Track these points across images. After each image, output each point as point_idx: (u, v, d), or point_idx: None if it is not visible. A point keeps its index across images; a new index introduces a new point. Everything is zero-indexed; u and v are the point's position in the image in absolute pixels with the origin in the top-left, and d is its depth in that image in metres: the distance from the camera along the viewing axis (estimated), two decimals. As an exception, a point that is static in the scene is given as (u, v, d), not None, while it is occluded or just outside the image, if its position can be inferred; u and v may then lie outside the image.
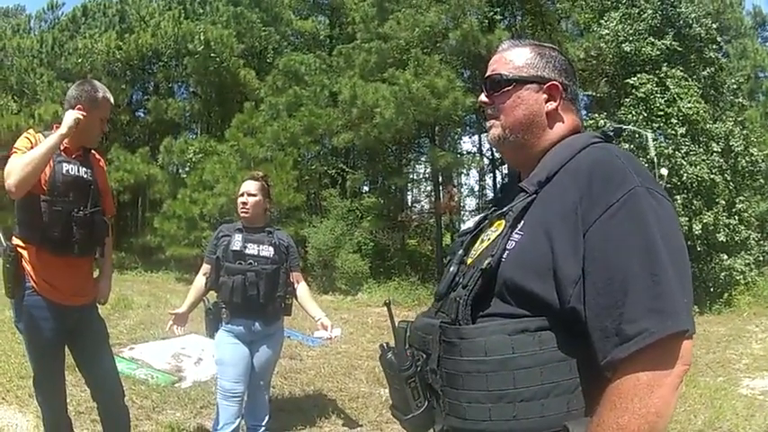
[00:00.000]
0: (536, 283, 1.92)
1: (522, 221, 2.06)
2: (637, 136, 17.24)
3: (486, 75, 2.39)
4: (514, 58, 2.36)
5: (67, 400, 5.35)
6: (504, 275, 1.98)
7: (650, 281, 1.77)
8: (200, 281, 6.37)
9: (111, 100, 5.17)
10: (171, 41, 31.15)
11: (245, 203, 6.24)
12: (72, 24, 34.60)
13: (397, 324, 2.31)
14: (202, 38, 29.84)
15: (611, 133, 2.25)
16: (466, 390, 1.93)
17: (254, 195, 6.27)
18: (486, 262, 1.99)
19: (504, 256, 2.00)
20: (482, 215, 2.40)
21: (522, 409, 1.85)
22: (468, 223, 2.44)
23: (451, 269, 2.25)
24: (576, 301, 1.86)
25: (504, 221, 2.11)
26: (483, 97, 2.40)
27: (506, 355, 1.88)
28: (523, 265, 1.96)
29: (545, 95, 2.30)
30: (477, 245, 2.23)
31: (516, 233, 2.04)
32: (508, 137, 2.31)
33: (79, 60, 30.43)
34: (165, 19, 31.98)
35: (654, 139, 19.44)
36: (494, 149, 31.88)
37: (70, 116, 4.69)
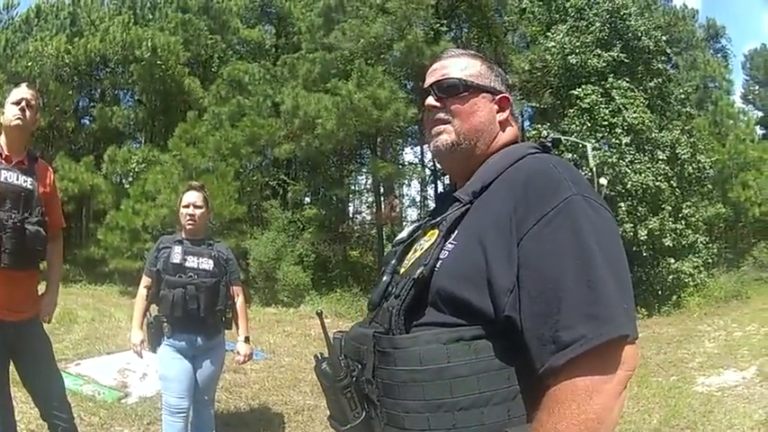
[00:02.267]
0: (470, 291, 1.89)
1: (456, 231, 2.04)
2: (579, 146, 17.42)
3: (437, 78, 2.33)
4: (467, 65, 2.33)
5: (17, 418, 5.31)
6: (438, 284, 1.95)
7: (586, 287, 1.75)
8: (142, 294, 6.30)
9: (32, 90, 5.09)
10: (119, 47, 30.82)
11: (192, 215, 6.19)
12: (25, 26, 34.24)
13: (332, 335, 2.27)
14: (150, 44, 29.60)
15: (550, 143, 2.24)
16: (402, 399, 1.91)
17: (200, 207, 6.24)
18: (419, 271, 1.96)
19: (437, 266, 1.98)
20: (416, 225, 2.39)
21: (461, 417, 1.83)
22: (402, 233, 2.42)
23: (384, 279, 2.22)
24: (510, 309, 1.82)
25: (437, 231, 2.09)
26: (432, 101, 2.32)
27: (442, 364, 1.85)
28: (457, 275, 1.93)
29: (496, 106, 2.30)
30: (410, 254, 2.22)
31: (450, 243, 2.02)
32: (462, 143, 2.26)
33: (29, 64, 30.01)
34: (115, 24, 31.60)
35: (595, 149, 19.77)
36: (435, 160, 32.18)
37: None
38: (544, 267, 1.79)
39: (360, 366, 2.07)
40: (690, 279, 21.07)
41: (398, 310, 1.97)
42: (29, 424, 6.96)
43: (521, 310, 1.81)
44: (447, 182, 31.31)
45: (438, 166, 29.48)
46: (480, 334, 1.86)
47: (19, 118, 4.89)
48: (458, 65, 2.33)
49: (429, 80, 2.37)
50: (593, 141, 20.01)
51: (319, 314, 2.50)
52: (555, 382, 1.75)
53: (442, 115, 2.29)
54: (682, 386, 10.12)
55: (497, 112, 2.29)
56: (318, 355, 2.24)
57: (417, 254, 2.12)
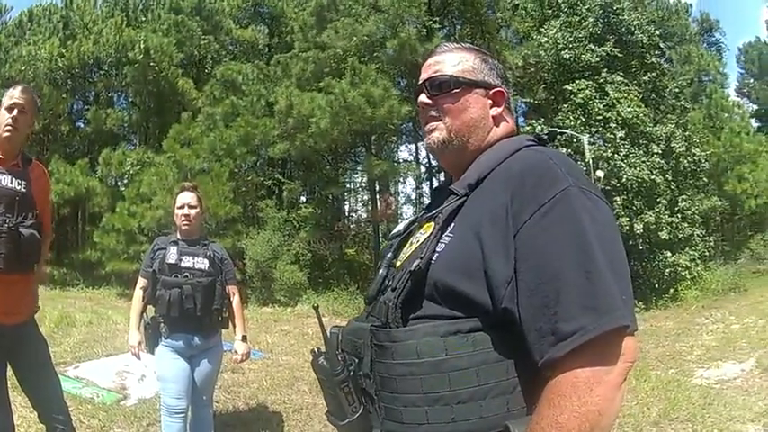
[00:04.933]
0: (466, 284, 1.89)
1: (453, 224, 2.03)
2: (574, 140, 17.42)
3: (429, 75, 2.32)
4: (459, 60, 2.31)
5: (17, 422, 5.27)
6: (434, 277, 1.94)
7: (584, 278, 1.74)
8: (139, 295, 6.27)
9: (27, 95, 5.00)
10: (112, 49, 30.78)
11: (187, 216, 6.18)
12: (18, 30, 34.17)
13: (329, 329, 2.25)
14: (143, 46, 29.53)
15: (546, 136, 2.24)
16: (400, 393, 1.90)
17: (194, 207, 6.23)
18: (415, 264, 1.95)
19: (433, 258, 1.97)
20: (411, 218, 2.38)
21: (460, 410, 1.82)
22: (398, 227, 2.41)
23: (381, 272, 2.22)
24: (508, 301, 1.81)
25: (433, 224, 2.07)
26: (424, 98, 2.31)
27: (439, 357, 1.84)
28: (453, 267, 1.92)
29: (490, 101, 2.28)
30: (406, 248, 2.19)
31: (446, 235, 2.01)
32: (453, 140, 2.25)
33: (23, 68, 29.91)
34: (108, 26, 31.56)
35: (591, 143, 19.72)
36: (430, 156, 32.12)
37: None
38: (542, 259, 1.78)
39: (357, 360, 2.06)
40: (687, 272, 21.10)
41: (395, 303, 1.96)
42: (28, 428, 6.92)
43: (518, 301, 1.79)
44: (443, 178, 31.61)
45: (433, 163, 29.57)
46: (478, 326, 1.85)
47: (10, 128, 4.82)
48: (450, 60, 2.31)
49: (422, 76, 2.36)
50: (588, 136, 19.99)
51: (316, 308, 2.47)
52: (555, 374, 1.73)
53: (433, 113, 2.29)
54: (680, 379, 10.10)
55: (491, 107, 2.28)
56: (315, 349, 2.23)
57: (413, 247, 2.10)
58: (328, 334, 2.24)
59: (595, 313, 1.69)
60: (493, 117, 2.27)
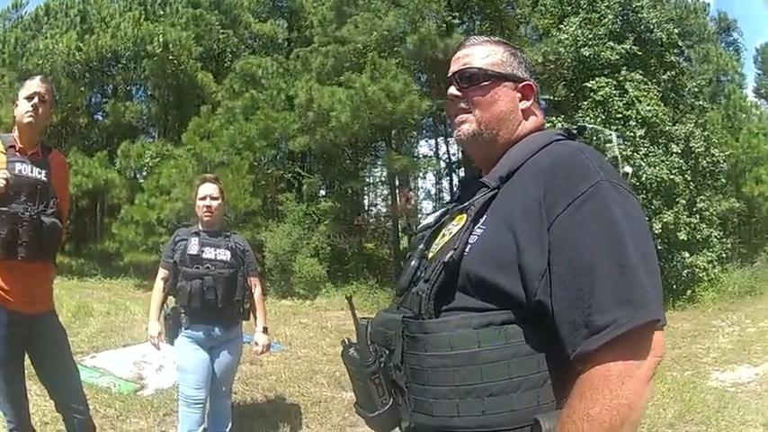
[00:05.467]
0: (500, 276, 1.90)
1: (485, 216, 2.04)
2: (594, 138, 17.36)
3: (459, 68, 2.33)
4: (489, 53, 2.32)
5: (32, 411, 5.25)
6: (467, 269, 1.96)
7: (618, 272, 1.75)
8: (159, 286, 6.29)
9: (46, 84, 5.03)
10: (130, 43, 30.85)
11: (209, 207, 6.20)
12: (35, 24, 34.25)
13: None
14: (161, 40, 29.59)
15: (575, 131, 2.25)
16: (432, 385, 1.91)
17: (216, 199, 6.26)
18: (449, 255, 1.97)
19: (466, 250, 1.98)
20: (442, 210, 2.39)
21: (491, 403, 1.84)
22: (429, 218, 2.42)
23: (413, 263, 2.22)
24: (542, 294, 1.84)
25: (465, 216, 2.08)
26: (454, 90, 2.33)
27: (472, 349, 1.86)
28: (487, 259, 1.94)
29: (519, 94, 2.29)
30: (438, 239, 2.20)
31: (478, 227, 2.02)
32: (483, 133, 2.26)
33: (40, 62, 29.95)
34: (126, 20, 31.62)
35: (618, 136, 19.63)
36: (450, 152, 31.92)
37: None
38: (576, 252, 1.80)
39: (387, 352, 2.08)
40: (704, 274, 20.88)
41: (428, 294, 1.98)
42: (43, 417, 7.00)
43: (552, 294, 1.81)
44: (462, 174, 31.25)
45: (453, 158, 29.41)
46: (510, 319, 1.87)
47: (31, 115, 4.86)
48: (480, 53, 2.32)
49: (452, 69, 2.37)
50: (615, 132, 19.86)
51: (349, 299, 2.50)
52: (587, 368, 1.76)
53: (463, 105, 2.30)
54: (696, 381, 10.08)
55: (520, 101, 2.29)
56: (346, 340, 2.25)
57: (446, 238, 2.11)
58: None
59: (629, 307, 1.72)
60: (522, 110, 2.29)
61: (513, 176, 2.06)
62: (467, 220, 2.04)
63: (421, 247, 2.26)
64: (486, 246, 1.96)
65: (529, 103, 2.30)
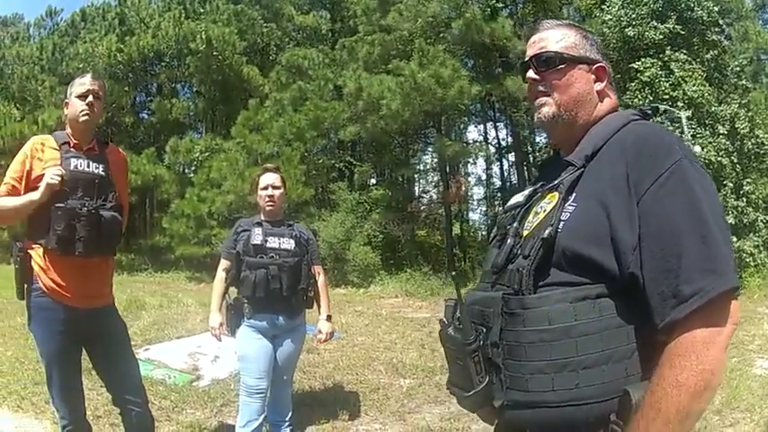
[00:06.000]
0: (595, 250, 1.96)
1: (574, 193, 2.09)
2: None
3: (536, 52, 2.40)
4: (562, 37, 2.38)
5: (86, 405, 5.23)
6: (562, 244, 2.01)
7: (701, 243, 1.84)
8: (221, 276, 6.31)
9: (98, 81, 5.01)
10: (172, 42, 31.24)
11: (271, 196, 6.22)
12: (72, 30, 34.69)
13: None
14: (204, 37, 29.87)
15: (649, 111, 2.32)
16: (528, 360, 1.96)
17: (278, 188, 6.29)
18: (547, 231, 2.02)
19: (559, 227, 2.04)
20: (531, 188, 2.40)
21: (585, 376, 1.90)
22: (518, 197, 2.45)
23: (509, 241, 2.25)
24: (634, 266, 1.90)
25: (557, 193, 2.13)
26: (532, 74, 2.39)
27: (569, 323, 1.92)
28: (581, 235, 2.00)
29: (593, 76, 2.35)
30: (531, 217, 2.24)
31: (569, 204, 2.08)
32: (562, 114, 2.32)
33: (81, 65, 30.33)
34: (166, 20, 32.06)
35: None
36: (500, 137, 31.77)
37: (48, 175, 4.56)
38: (663, 226, 1.88)
39: (485, 330, 2.11)
40: (750, 259, 20.66)
41: (529, 270, 2.03)
42: (95, 410, 7.00)
43: (642, 266, 1.88)
44: (513, 159, 31.16)
45: (503, 143, 29.25)
46: (604, 292, 1.94)
47: (87, 113, 4.84)
48: (554, 37, 2.37)
49: (528, 53, 2.42)
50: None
51: (454, 277, 2.51)
52: (673, 336, 1.83)
53: (541, 88, 2.36)
54: (742, 368, 9.98)
55: (595, 82, 2.34)
56: (444, 319, 2.32)
57: (540, 216, 2.16)
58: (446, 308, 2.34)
59: (713, 275, 1.80)
60: (597, 92, 2.34)
61: (597, 155, 2.13)
62: (559, 197, 2.11)
63: (515, 225, 2.29)
64: (579, 222, 2.02)
65: (603, 85, 2.35)
